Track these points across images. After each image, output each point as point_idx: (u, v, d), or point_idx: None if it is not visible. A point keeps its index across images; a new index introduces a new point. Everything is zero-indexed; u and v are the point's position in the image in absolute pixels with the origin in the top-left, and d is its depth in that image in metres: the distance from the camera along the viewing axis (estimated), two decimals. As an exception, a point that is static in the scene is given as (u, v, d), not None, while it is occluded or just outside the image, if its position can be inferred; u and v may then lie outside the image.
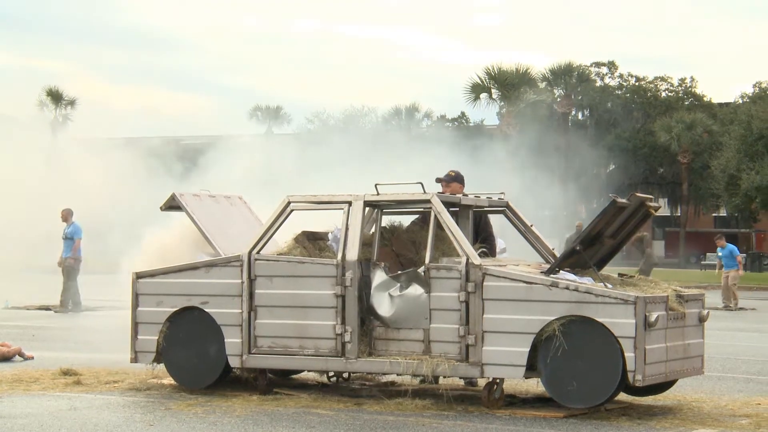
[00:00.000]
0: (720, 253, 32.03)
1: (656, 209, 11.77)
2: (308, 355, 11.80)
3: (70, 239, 26.58)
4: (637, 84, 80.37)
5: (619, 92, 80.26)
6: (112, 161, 32.17)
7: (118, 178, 30.36)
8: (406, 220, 12.94)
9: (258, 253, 12.08)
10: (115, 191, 29.63)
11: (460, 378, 12.16)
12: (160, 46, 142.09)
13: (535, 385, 12.03)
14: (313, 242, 12.37)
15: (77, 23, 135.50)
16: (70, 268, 26.45)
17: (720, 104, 77.18)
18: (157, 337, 12.44)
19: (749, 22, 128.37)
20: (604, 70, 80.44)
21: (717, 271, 33.22)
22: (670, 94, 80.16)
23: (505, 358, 11.04)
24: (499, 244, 13.86)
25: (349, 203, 11.87)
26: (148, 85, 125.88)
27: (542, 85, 70.54)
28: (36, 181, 33.72)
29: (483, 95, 66.31)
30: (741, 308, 31.40)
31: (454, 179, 12.93)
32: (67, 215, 26.64)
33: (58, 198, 28.53)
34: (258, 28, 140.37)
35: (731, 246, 32.09)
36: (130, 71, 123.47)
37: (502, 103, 65.33)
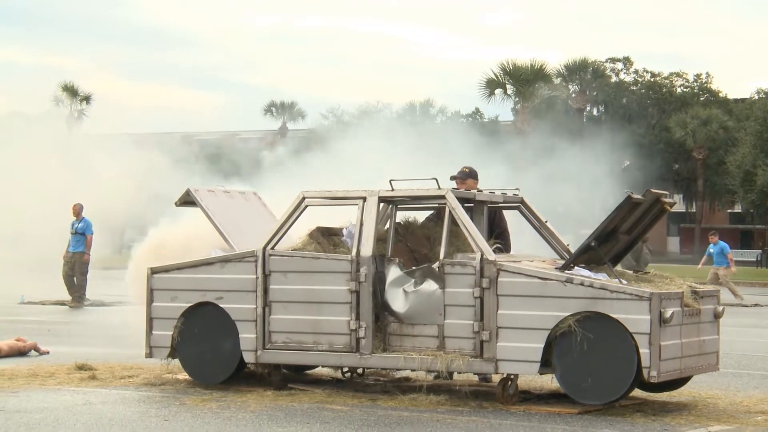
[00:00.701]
0: (711, 249, 32.27)
1: (671, 205, 11.74)
2: (323, 351, 11.81)
3: (81, 234, 26.69)
4: (652, 80, 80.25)
5: (635, 88, 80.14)
6: (136, 158, 32.28)
7: (143, 174, 30.44)
8: (420, 216, 12.94)
9: (273, 248, 12.09)
10: (140, 187, 29.72)
11: (475, 374, 12.15)
12: (174, 43, 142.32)
13: (550, 381, 12.03)
14: (327, 238, 12.38)
15: (92, 21, 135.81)
16: (83, 264, 26.56)
17: (736, 100, 77.09)
18: (171, 333, 12.46)
19: (765, 18, 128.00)
20: (619, 65, 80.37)
21: (699, 266, 33.50)
22: (685, 89, 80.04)
23: (520, 354, 11.03)
24: None
25: (364, 199, 11.87)
26: (162, 82, 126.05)
27: (557, 80, 70.45)
28: (52, 178, 33.79)
29: (498, 91, 66.24)
30: (756, 304, 31.34)
31: (468, 176, 12.94)
32: (79, 210, 26.75)
33: (75, 194, 28.65)
34: (271, 25, 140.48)
35: (723, 243, 32.39)
36: (144, 68, 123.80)
37: (517, 99, 65.26)
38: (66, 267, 26.67)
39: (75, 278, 26.58)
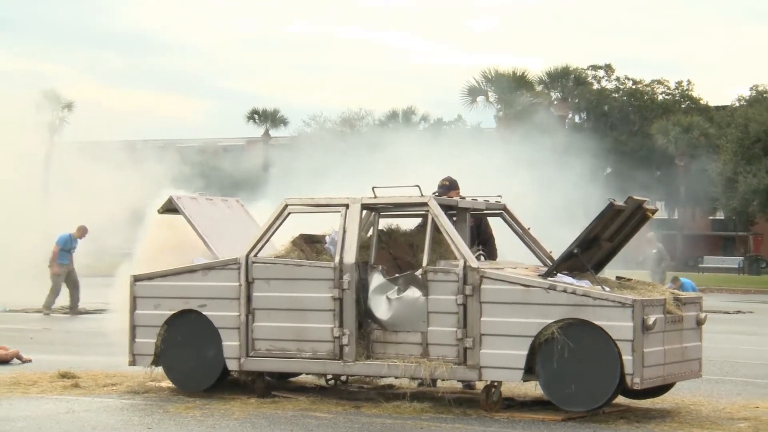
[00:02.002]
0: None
1: (653, 212, 11.77)
2: (306, 358, 11.80)
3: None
4: (634, 87, 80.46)
5: (616, 95, 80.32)
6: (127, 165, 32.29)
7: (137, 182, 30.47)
8: (403, 223, 12.94)
9: (255, 255, 12.08)
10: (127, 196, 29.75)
11: (458, 381, 12.15)
12: (156, 50, 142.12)
13: (534, 388, 12.03)
14: (310, 245, 12.38)
15: (74, 27, 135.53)
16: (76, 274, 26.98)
17: (717, 107, 77.33)
18: (155, 340, 12.44)
19: (746, 25, 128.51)
20: (601, 73, 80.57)
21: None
22: (667, 97, 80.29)
23: (503, 361, 11.04)
24: None
25: (347, 206, 11.88)
26: (144, 88, 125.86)
27: (539, 88, 70.53)
28: (33, 185, 33.72)
29: (480, 98, 66.33)
30: (738, 311, 31.46)
31: (449, 188, 12.92)
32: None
33: (57, 201, 28.62)
34: (255, 32, 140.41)
35: (685, 281, 32.17)
36: (126, 75, 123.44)
37: (499, 107, 65.31)
38: (63, 277, 26.83)
39: (74, 287, 26.76)
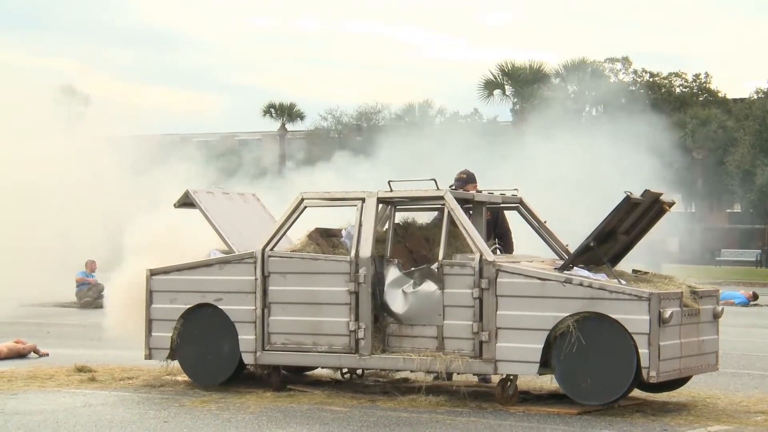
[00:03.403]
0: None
1: (670, 205, 11.74)
2: (322, 352, 11.81)
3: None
4: (651, 80, 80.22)
5: (633, 88, 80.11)
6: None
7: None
8: (419, 217, 12.94)
9: (271, 249, 12.10)
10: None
11: (474, 375, 12.15)
12: (171, 45, 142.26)
13: (549, 382, 12.03)
14: (326, 239, 12.38)
15: (89, 23, 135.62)
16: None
17: (735, 100, 77.04)
18: (171, 334, 12.47)
19: (764, 18, 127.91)
20: (618, 66, 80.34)
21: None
22: (684, 90, 80.00)
23: (519, 355, 11.03)
24: None
25: (363, 200, 11.88)
26: (159, 84, 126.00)
27: (556, 81, 70.41)
28: (52, 181, 33.81)
29: (496, 91, 66.27)
30: (756, 304, 31.34)
31: (466, 182, 12.93)
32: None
33: (75, 196, 28.78)
34: (268, 27, 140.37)
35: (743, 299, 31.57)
36: (141, 70, 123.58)
37: (516, 100, 65.22)
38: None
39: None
